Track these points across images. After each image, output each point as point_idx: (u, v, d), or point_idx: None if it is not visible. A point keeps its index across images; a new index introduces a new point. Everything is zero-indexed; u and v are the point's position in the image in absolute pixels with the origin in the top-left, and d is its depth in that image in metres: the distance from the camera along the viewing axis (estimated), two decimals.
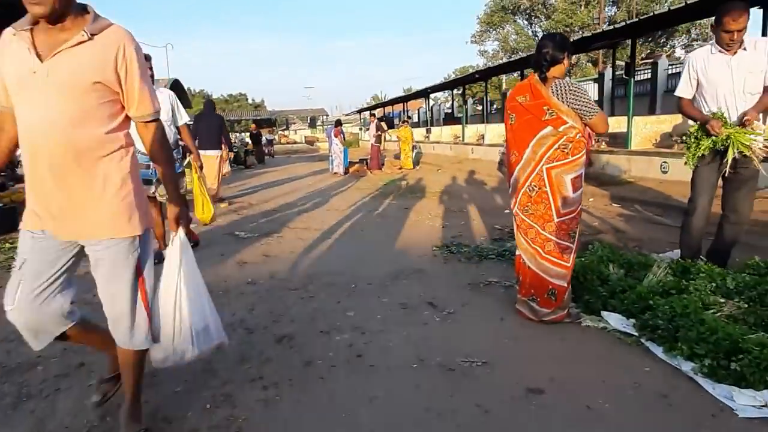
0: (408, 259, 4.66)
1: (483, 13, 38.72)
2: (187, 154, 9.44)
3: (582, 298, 3.15)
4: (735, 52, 3.27)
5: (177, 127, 4.50)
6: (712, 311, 2.55)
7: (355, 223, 6.73)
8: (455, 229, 5.93)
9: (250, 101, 66.75)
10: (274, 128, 38.69)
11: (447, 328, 3.02)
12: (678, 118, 9.40)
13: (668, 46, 33.23)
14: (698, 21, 28.55)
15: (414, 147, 15.71)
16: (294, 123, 55.82)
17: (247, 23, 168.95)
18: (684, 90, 3.54)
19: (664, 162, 8.16)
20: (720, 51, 3.31)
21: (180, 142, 4.76)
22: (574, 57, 33.39)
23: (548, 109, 2.70)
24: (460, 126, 20.62)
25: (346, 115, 50.18)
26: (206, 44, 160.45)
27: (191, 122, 9.93)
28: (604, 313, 2.92)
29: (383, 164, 15.68)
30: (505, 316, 3.14)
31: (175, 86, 18.81)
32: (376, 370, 2.52)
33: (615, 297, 2.99)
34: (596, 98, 19.16)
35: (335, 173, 14.64)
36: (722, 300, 2.67)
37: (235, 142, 24.01)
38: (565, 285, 2.92)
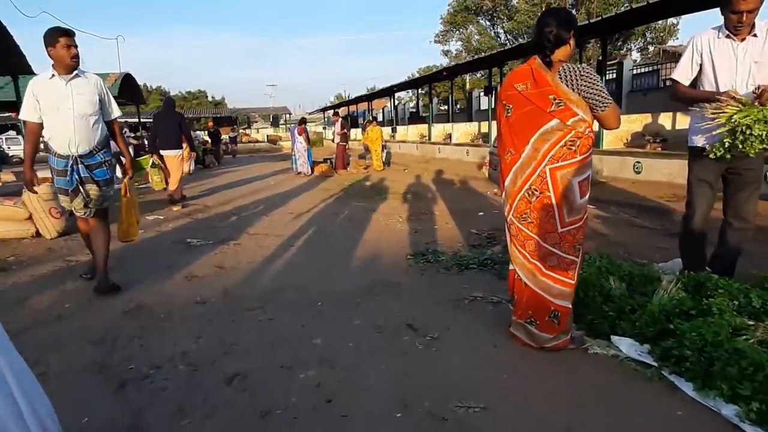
0: (380, 270, 4.18)
1: (446, 13, 38.77)
2: (153, 156, 8.55)
3: (584, 317, 2.75)
4: (743, 38, 2.92)
5: (108, 123, 3.74)
6: (744, 337, 2.18)
7: (321, 228, 6.19)
8: (429, 234, 5.49)
9: (210, 99, 64.73)
10: (235, 126, 37.35)
11: (432, 359, 2.55)
12: (648, 118, 9.30)
13: (624, 49, 34.02)
14: (653, 24, 29.34)
15: (384, 147, 15.18)
16: (256, 121, 54.41)
17: (209, 19, 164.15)
18: (681, 74, 3.11)
19: (638, 162, 7.99)
20: (728, 36, 2.95)
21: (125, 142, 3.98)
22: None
23: (555, 99, 2.26)
24: (425, 125, 20.30)
25: (310, 113, 49.27)
26: (165, 39, 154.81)
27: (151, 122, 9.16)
28: (614, 338, 2.52)
29: (349, 164, 15.16)
30: (498, 342, 2.70)
31: (127, 81, 17.62)
32: (351, 421, 2.02)
33: (623, 318, 2.60)
34: None
35: (299, 173, 14.00)
36: (751, 322, 2.30)
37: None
38: (569, 306, 2.50)
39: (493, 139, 10.03)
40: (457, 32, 39.60)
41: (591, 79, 2.27)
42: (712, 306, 2.40)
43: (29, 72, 11.28)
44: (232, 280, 3.99)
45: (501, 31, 36.77)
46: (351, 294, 3.56)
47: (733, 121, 2.70)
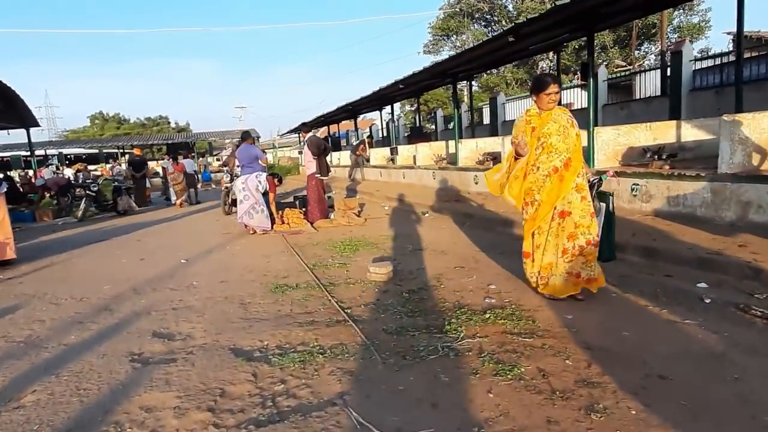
0: None
1: (436, 20, 33.82)
2: None
3: None
4: None
5: None
6: None
7: None
8: None
9: (173, 125, 58.36)
10: (194, 154, 30.53)
11: None
12: None
13: (642, 50, 29.08)
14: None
15: (595, 184, 3.80)
16: (225, 148, 47.85)
17: (178, 49, 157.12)
18: None
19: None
20: None
21: None
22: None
23: None
24: (439, 143, 14.24)
25: (282, 135, 43.26)
26: (132, 69, 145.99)
27: None
28: None
29: (331, 207, 9.06)
30: None
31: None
32: None
33: None
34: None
35: (247, 228, 7.91)
36: None
37: (103, 176, 16.55)
38: None
39: None
40: (449, 40, 34.51)
41: None
42: None
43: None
44: None
45: None
46: None
47: None
